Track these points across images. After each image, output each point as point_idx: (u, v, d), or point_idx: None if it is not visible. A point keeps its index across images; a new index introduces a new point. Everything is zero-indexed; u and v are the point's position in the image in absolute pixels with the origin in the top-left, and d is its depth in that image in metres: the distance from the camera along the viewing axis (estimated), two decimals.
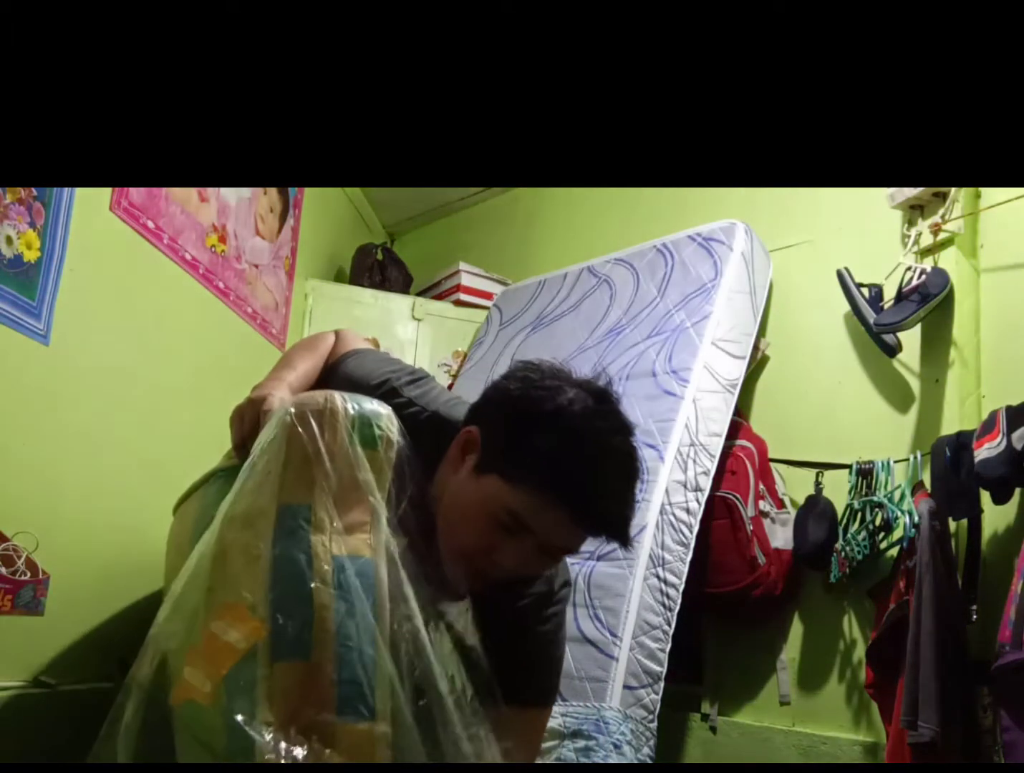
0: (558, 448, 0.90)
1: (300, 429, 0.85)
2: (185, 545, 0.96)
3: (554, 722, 1.46)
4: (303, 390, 1.07)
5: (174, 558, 1.06)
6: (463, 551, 0.94)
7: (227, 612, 0.80)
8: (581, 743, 1.41)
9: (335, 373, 1.14)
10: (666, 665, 1.59)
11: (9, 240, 1.27)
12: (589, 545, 1.66)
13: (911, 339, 1.86)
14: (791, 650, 1.91)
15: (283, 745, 0.74)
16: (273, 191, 2.20)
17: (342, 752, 0.76)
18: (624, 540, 0.95)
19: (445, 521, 0.97)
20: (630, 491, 0.96)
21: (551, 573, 1.09)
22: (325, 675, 0.77)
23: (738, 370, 1.92)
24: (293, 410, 0.86)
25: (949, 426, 1.73)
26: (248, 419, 0.98)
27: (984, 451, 1.45)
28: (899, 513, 1.66)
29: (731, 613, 1.97)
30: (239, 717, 0.75)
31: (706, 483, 1.77)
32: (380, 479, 0.87)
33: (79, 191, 1.43)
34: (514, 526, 0.91)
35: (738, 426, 2.00)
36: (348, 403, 0.88)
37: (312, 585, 0.79)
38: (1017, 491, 1.53)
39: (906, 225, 1.92)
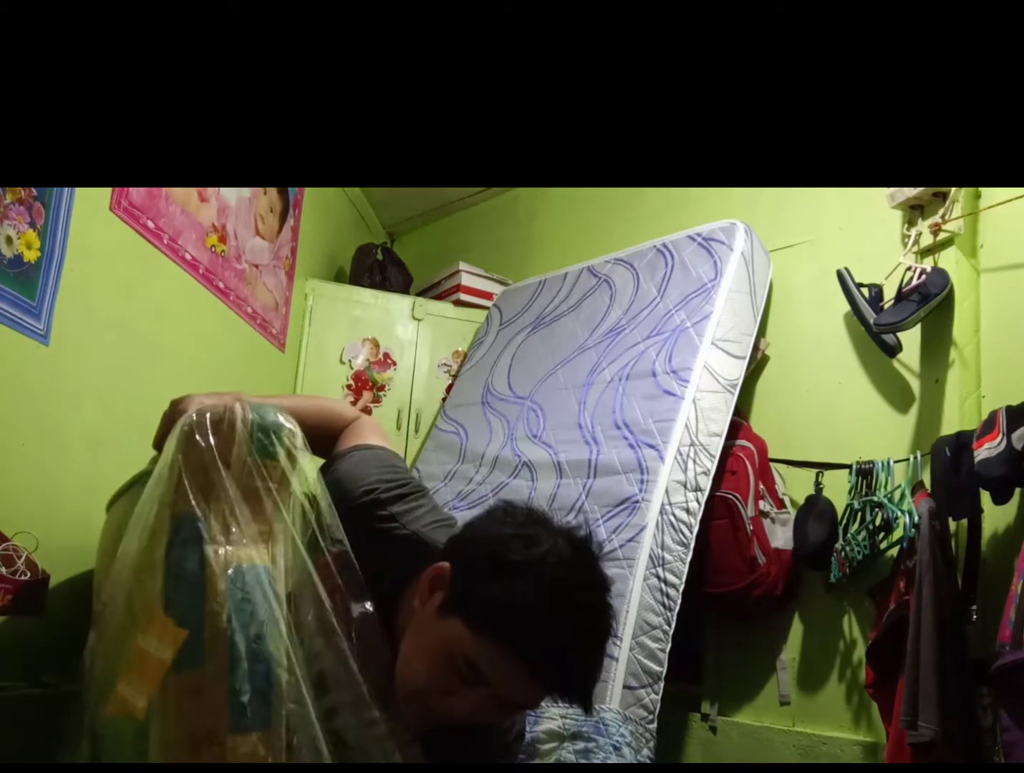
0: (526, 601, 0.86)
1: (197, 437, 0.84)
2: (110, 547, 0.97)
3: (553, 724, 1.46)
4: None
5: (101, 559, 1.08)
6: (416, 689, 0.90)
7: (152, 624, 0.80)
8: (580, 745, 1.41)
9: (333, 466, 1.10)
10: (666, 665, 1.59)
11: (9, 240, 1.27)
12: None
13: (911, 339, 1.86)
14: (791, 650, 1.91)
15: None
16: (273, 191, 2.20)
17: (239, 760, 0.75)
18: (585, 706, 0.91)
19: (404, 655, 0.94)
20: (596, 652, 0.92)
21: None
22: (219, 685, 0.77)
23: (738, 370, 1.92)
24: (192, 418, 0.86)
25: (949, 426, 1.73)
26: (165, 422, 0.99)
27: (984, 451, 1.45)
28: (899, 513, 1.66)
29: (731, 613, 1.97)
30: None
31: (706, 483, 1.77)
32: (281, 490, 0.86)
33: (79, 191, 1.43)
34: (471, 676, 0.88)
35: (738, 426, 2.00)
36: (247, 412, 0.87)
37: (204, 595, 0.79)
38: (1017, 491, 1.53)
39: (906, 225, 1.92)
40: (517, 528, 0.93)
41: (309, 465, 0.91)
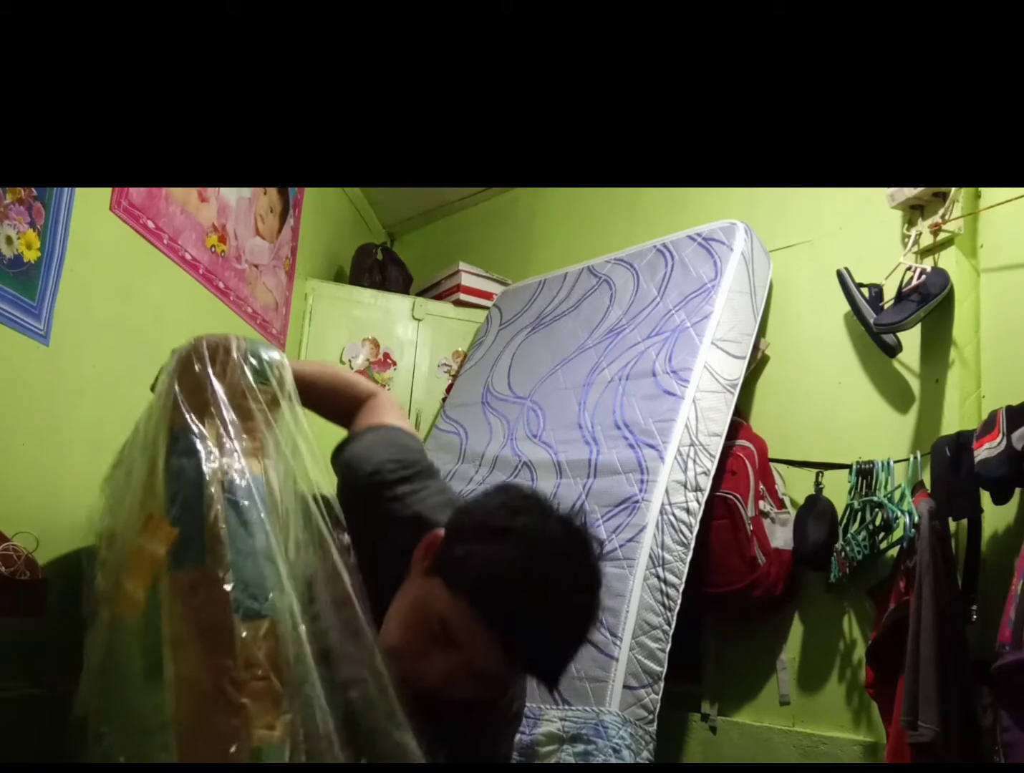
0: (502, 566, 0.84)
1: (194, 360, 0.91)
2: (110, 509, 1.02)
3: (553, 726, 1.46)
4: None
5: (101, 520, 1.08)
6: (392, 650, 0.88)
7: (147, 525, 0.86)
8: (580, 747, 1.41)
9: (347, 447, 1.09)
10: (666, 665, 1.59)
11: (9, 240, 1.27)
12: None
13: (911, 339, 1.86)
14: (791, 650, 1.91)
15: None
16: (273, 191, 2.20)
17: (250, 645, 0.79)
18: (551, 683, 0.90)
19: (387, 615, 0.93)
20: (568, 634, 0.90)
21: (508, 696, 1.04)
22: (222, 578, 0.81)
23: (738, 370, 1.92)
24: (189, 344, 0.93)
25: (949, 426, 1.73)
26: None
27: (984, 451, 1.45)
28: (899, 513, 1.66)
29: (731, 613, 1.97)
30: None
31: (706, 483, 1.77)
32: (271, 411, 0.92)
33: (79, 191, 1.42)
34: (443, 637, 0.87)
35: (738, 426, 2.00)
36: (241, 341, 0.95)
37: (203, 494, 0.83)
38: (1017, 491, 1.53)
39: (906, 225, 1.92)
40: (510, 500, 0.93)
41: (294, 403, 0.96)
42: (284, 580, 0.83)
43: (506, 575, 0.84)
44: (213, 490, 0.84)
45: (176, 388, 0.90)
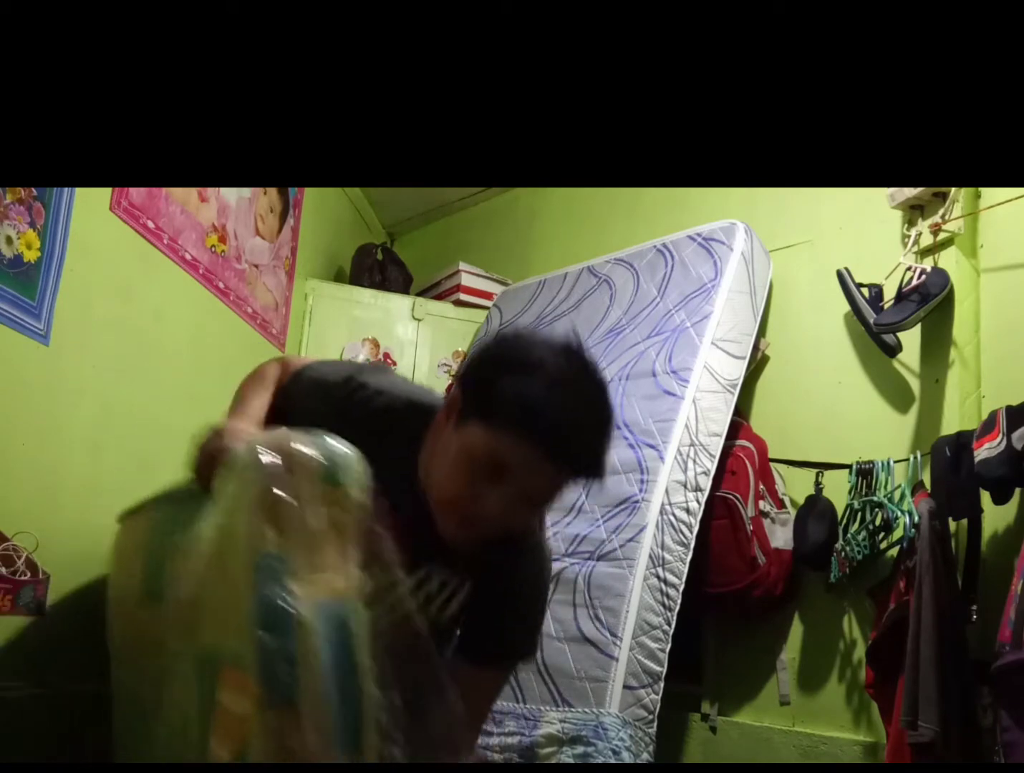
0: (535, 390, 0.92)
1: (267, 474, 0.84)
2: (133, 564, 1.00)
3: (552, 728, 1.46)
4: (262, 423, 1.08)
5: (119, 574, 1.08)
6: (450, 501, 0.96)
7: (230, 681, 0.81)
8: (580, 749, 1.41)
9: (295, 386, 1.14)
10: (666, 665, 1.59)
11: (9, 240, 1.27)
12: (589, 545, 1.68)
13: (911, 339, 1.86)
14: (791, 650, 1.91)
15: None
16: (273, 191, 2.20)
17: None
18: (599, 473, 0.98)
19: (433, 479, 0.99)
20: (605, 429, 0.99)
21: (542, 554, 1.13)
22: (314, 718, 0.78)
23: (738, 370, 1.92)
24: (259, 455, 0.84)
25: (949, 426, 1.73)
26: (204, 451, 0.99)
27: (984, 451, 1.45)
28: (899, 513, 1.66)
29: (731, 613, 1.97)
30: None
31: (706, 483, 1.77)
32: (350, 519, 0.86)
33: (79, 191, 1.42)
34: (494, 472, 0.93)
35: (738, 426, 2.00)
36: (312, 444, 0.87)
37: (294, 632, 0.79)
38: (1017, 491, 1.53)
39: (906, 225, 1.92)
40: (519, 337, 1.02)
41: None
42: (372, 714, 0.81)
43: (539, 394, 0.92)
44: (304, 624, 0.79)
45: (248, 502, 0.83)
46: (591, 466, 0.98)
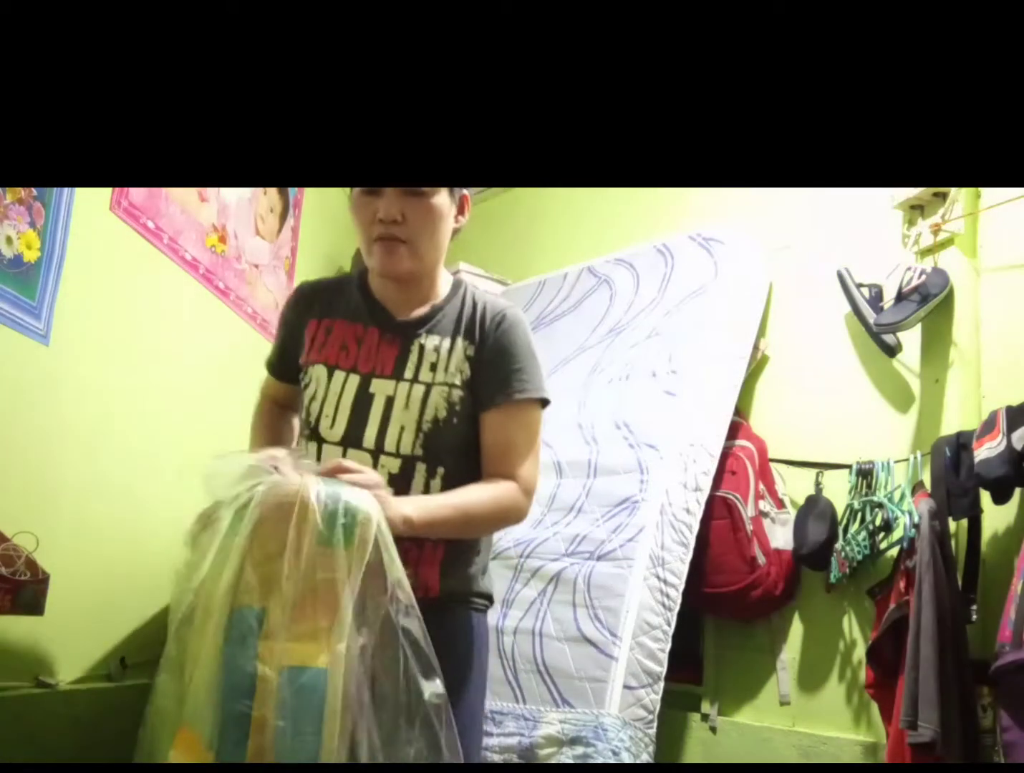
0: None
1: (268, 522, 0.80)
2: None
3: (552, 729, 1.46)
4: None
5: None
6: (367, 240, 1.11)
7: (181, 743, 0.78)
8: (580, 750, 1.41)
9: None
10: (666, 665, 1.59)
11: (9, 240, 1.27)
12: (588, 545, 1.68)
13: (911, 339, 1.86)
14: (791, 650, 1.91)
15: None
16: (273, 191, 2.20)
17: None
18: None
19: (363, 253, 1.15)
20: None
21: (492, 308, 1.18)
22: None
23: (738, 370, 1.92)
24: (263, 500, 0.81)
25: (949, 426, 1.73)
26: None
27: (984, 451, 1.45)
28: (899, 513, 1.66)
29: (731, 613, 1.97)
30: None
31: (706, 483, 1.77)
32: (349, 579, 0.81)
33: (79, 191, 1.43)
34: (369, 194, 1.09)
35: (738, 426, 2.00)
36: (322, 495, 0.82)
37: (251, 704, 0.75)
38: (1017, 491, 1.53)
39: (906, 225, 1.92)
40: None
41: (391, 553, 0.85)
42: None
43: None
44: (268, 689, 0.75)
45: (244, 554, 0.80)
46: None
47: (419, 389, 1.10)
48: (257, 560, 0.80)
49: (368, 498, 0.86)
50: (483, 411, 1.11)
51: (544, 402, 1.14)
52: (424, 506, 0.99)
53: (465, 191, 1.17)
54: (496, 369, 1.11)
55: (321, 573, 0.80)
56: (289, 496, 0.81)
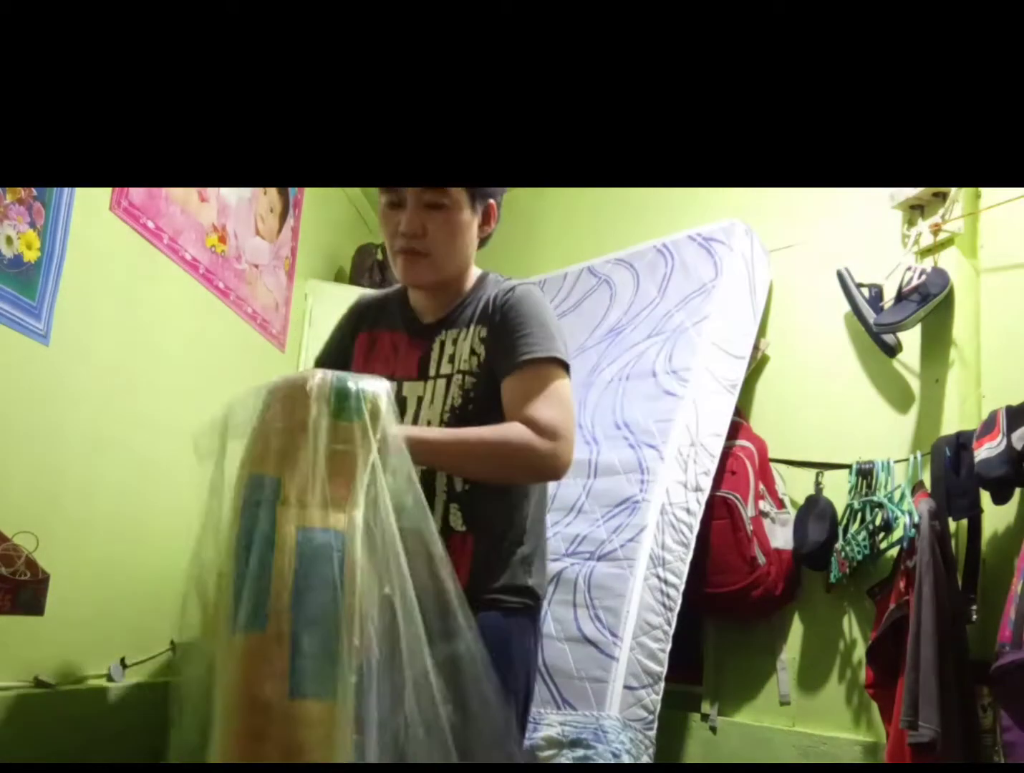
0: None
1: (277, 401, 0.85)
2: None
3: (553, 731, 1.46)
4: None
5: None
6: (392, 251, 1.14)
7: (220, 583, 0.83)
8: (580, 752, 1.41)
9: None
10: (666, 665, 1.59)
11: (9, 240, 1.27)
12: (589, 545, 1.68)
13: (911, 339, 1.86)
14: (791, 650, 1.91)
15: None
16: (273, 191, 2.20)
17: (297, 729, 0.74)
18: None
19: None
20: None
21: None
22: (281, 649, 0.75)
23: (738, 370, 1.92)
24: (274, 382, 0.87)
25: (949, 426, 1.73)
26: None
27: (984, 451, 1.45)
28: (899, 513, 1.66)
29: (731, 613, 1.97)
30: None
31: (706, 483, 1.77)
32: (362, 452, 0.84)
33: (79, 191, 1.42)
34: (392, 205, 1.14)
35: (738, 426, 2.00)
36: (329, 376, 0.86)
37: (272, 555, 0.78)
38: (1017, 491, 1.53)
39: (906, 225, 1.92)
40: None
41: (395, 431, 0.88)
42: (351, 657, 0.76)
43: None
44: (285, 547, 0.78)
45: (258, 427, 0.84)
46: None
47: (441, 383, 1.13)
48: (272, 432, 0.84)
49: (377, 380, 0.89)
50: (501, 383, 1.10)
51: (558, 361, 1.10)
52: (418, 429, 1.05)
53: (492, 199, 1.19)
54: (504, 341, 1.11)
55: (336, 445, 0.82)
56: (301, 379, 0.86)
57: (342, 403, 0.85)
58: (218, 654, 0.78)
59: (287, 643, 0.75)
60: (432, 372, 1.15)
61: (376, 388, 0.87)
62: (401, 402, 1.13)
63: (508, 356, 1.09)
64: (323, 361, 1.30)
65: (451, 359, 1.14)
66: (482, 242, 1.22)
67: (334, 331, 1.33)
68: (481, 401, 1.10)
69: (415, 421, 1.13)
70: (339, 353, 1.27)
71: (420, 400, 1.14)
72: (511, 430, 1.03)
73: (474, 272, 1.24)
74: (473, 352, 1.13)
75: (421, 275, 1.15)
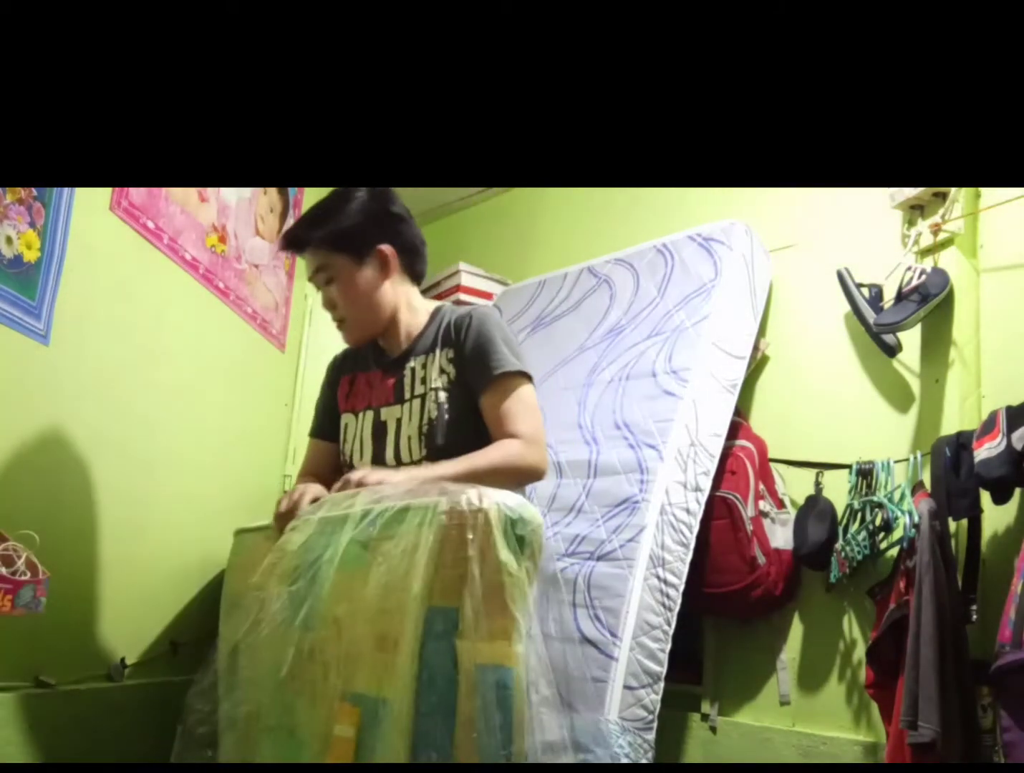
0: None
1: (452, 530, 0.86)
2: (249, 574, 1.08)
3: (551, 735, 1.45)
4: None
5: (238, 579, 1.31)
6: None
7: (346, 716, 0.86)
8: (579, 755, 1.41)
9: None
10: (666, 665, 1.59)
11: (9, 240, 1.27)
12: (589, 545, 1.68)
13: (911, 339, 1.86)
14: (791, 650, 1.91)
15: None
16: (273, 191, 2.20)
17: None
18: (297, 244, 1.35)
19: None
20: (310, 213, 1.35)
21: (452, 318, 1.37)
22: None
23: (738, 370, 1.92)
24: (447, 508, 0.87)
25: (949, 426, 1.73)
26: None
27: (984, 451, 1.45)
28: (899, 513, 1.66)
29: (731, 613, 1.97)
30: None
31: (706, 483, 1.77)
32: (526, 584, 0.86)
33: (79, 191, 1.43)
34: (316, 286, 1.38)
35: (738, 426, 2.00)
36: (502, 504, 0.87)
37: (456, 692, 0.80)
38: (1017, 491, 1.53)
39: (906, 225, 1.92)
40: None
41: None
42: None
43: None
44: (466, 688, 0.79)
45: (434, 559, 0.85)
46: (292, 238, 1.34)
47: (416, 402, 1.31)
48: (447, 564, 0.86)
49: (535, 508, 0.92)
50: (478, 400, 1.27)
51: (523, 374, 1.29)
52: (429, 468, 1.16)
53: (378, 245, 1.33)
54: (475, 362, 1.29)
55: (504, 577, 0.85)
56: (472, 504, 0.88)
57: (515, 535, 0.87)
58: None
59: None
60: (407, 395, 1.33)
61: (539, 520, 0.90)
62: (381, 426, 1.33)
63: (481, 373, 1.27)
64: (321, 425, 1.48)
65: (423, 381, 1.32)
66: (414, 277, 1.40)
67: (321, 391, 1.51)
68: (453, 411, 1.28)
69: (396, 438, 1.30)
70: (333, 407, 1.45)
71: (399, 421, 1.31)
72: (508, 448, 1.21)
73: (425, 306, 1.41)
74: (443, 371, 1.31)
75: (353, 336, 1.39)
